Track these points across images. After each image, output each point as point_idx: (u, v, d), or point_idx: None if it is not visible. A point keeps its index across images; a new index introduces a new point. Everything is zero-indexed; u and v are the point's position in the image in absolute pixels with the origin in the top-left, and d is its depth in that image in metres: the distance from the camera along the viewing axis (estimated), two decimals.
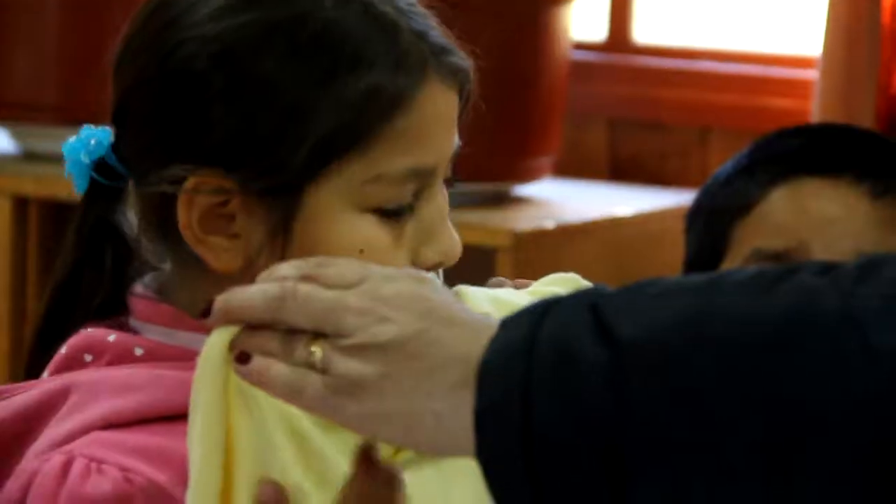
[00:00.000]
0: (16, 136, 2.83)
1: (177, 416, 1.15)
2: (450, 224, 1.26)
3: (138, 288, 1.28)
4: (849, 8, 2.52)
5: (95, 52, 1.39)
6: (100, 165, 1.25)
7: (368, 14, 1.21)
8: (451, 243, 1.27)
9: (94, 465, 1.18)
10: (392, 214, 1.23)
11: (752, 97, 2.72)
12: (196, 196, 1.20)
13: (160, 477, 1.17)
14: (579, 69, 2.62)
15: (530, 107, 2.53)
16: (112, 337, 1.24)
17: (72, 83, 2.77)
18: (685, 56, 2.87)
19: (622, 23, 2.83)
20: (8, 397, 1.27)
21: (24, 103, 2.82)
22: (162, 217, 1.22)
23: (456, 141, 1.24)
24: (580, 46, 2.65)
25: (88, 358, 1.26)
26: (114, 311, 1.31)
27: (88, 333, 1.25)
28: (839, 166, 1.77)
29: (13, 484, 1.24)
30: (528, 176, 2.51)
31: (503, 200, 2.47)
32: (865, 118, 2.43)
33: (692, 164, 2.74)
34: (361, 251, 1.24)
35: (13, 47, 2.88)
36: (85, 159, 1.28)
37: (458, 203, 2.47)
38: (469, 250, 2.43)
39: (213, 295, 1.08)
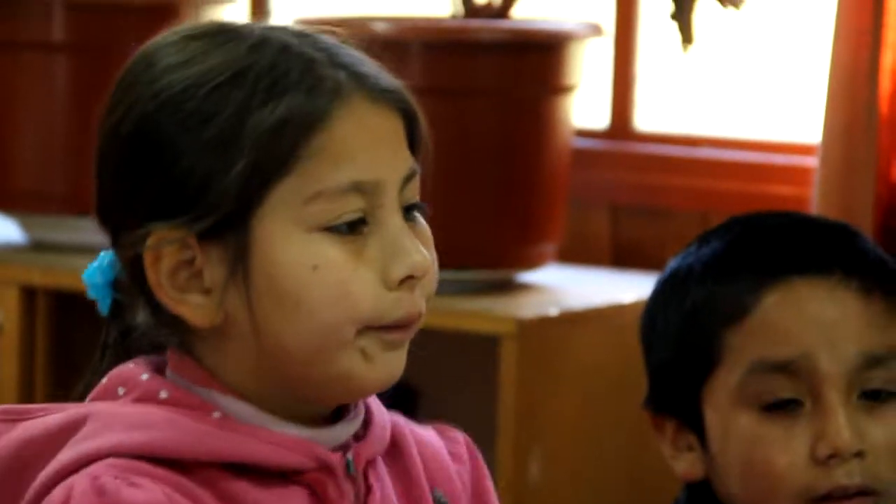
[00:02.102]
0: (24, 225, 2.80)
1: (177, 462, 1.16)
2: (418, 243, 1.22)
3: (174, 341, 1.24)
4: (847, 96, 2.50)
5: None
6: (118, 284, 1.22)
7: (284, 52, 1.21)
8: (419, 257, 1.24)
9: (122, 478, 1.16)
10: (342, 231, 1.21)
11: (753, 184, 2.68)
12: (160, 252, 1.16)
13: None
14: (582, 156, 2.57)
15: (533, 194, 2.47)
16: (145, 377, 1.23)
17: (79, 172, 2.55)
18: (686, 143, 2.82)
19: (624, 111, 2.78)
20: (42, 416, 1.24)
21: (32, 193, 2.79)
22: (139, 280, 1.20)
23: (408, 161, 1.20)
24: (583, 134, 2.61)
25: (121, 391, 1.24)
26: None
27: (129, 368, 1.24)
28: (827, 264, 1.63)
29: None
30: (531, 263, 2.46)
31: (507, 287, 2.42)
32: (864, 206, 2.42)
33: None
34: (315, 268, 1.21)
35: (21, 137, 2.83)
36: (100, 280, 1.24)
37: (461, 290, 2.41)
38: (473, 338, 2.55)
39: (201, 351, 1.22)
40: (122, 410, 1.23)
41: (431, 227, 2.58)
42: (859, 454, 1.56)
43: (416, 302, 1.23)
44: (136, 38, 1.24)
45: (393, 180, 1.20)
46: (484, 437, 2.54)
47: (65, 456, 1.21)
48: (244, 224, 1.18)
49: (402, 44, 2.41)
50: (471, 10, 2.43)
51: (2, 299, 2.74)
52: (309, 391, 1.23)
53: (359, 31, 2.42)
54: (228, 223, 1.17)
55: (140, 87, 1.27)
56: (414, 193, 1.24)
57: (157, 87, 1.26)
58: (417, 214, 1.23)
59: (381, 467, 1.26)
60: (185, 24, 1.29)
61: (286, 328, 1.23)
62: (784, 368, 1.58)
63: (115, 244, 1.19)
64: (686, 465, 1.63)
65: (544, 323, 2.36)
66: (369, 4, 2.86)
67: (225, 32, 1.24)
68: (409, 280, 1.21)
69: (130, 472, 1.16)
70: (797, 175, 2.57)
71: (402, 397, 2.37)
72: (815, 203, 2.43)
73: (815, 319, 1.62)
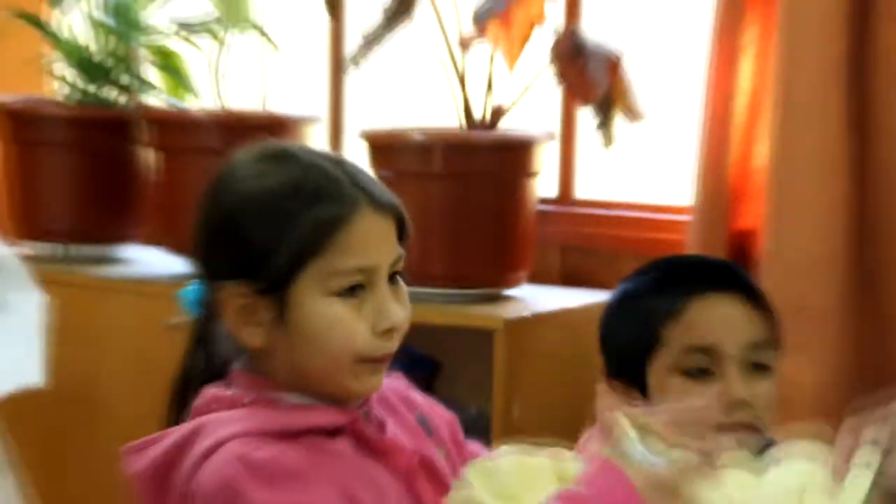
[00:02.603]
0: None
1: (279, 435, 1.55)
2: (396, 304, 1.61)
3: (237, 365, 1.64)
4: (708, 169, 2.68)
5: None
6: (197, 302, 1.67)
7: (323, 174, 1.60)
8: (399, 316, 1.61)
9: (249, 444, 1.52)
10: (349, 295, 1.58)
11: (648, 233, 2.91)
12: (230, 299, 1.58)
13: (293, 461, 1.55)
14: (542, 214, 2.89)
15: (514, 238, 2.80)
16: (229, 392, 1.61)
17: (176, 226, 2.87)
18: (604, 206, 3.06)
19: (567, 185, 3.11)
20: (159, 441, 1.60)
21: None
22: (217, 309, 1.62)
23: (397, 250, 1.62)
24: (542, 200, 2.90)
25: (215, 406, 1.61)
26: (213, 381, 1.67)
27: (214, 391, 1.62)
28: (728, 285, 1.98)
29: (193, 487, 1.54)
30: (512, 283, 2.82)
31: (497, 299, 2.77)
32: (719, 247, 2.65)
33: (612, 274, 2.56)
34: (329, 319, 1.58)
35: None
36: (191, 299, 1.67)
37: (467, 300, 2.77)
38: (474, 332, 2.74)
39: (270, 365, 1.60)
40: (226, 415, 1.59)
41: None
42: (748, 404, 1.92)
43: (393, 345, 1.63)
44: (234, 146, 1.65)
45: (385, 263, 1.61)
46: (482, 394, 2.69)
47: (202, 444, 1.54)
48: (286, 288, 1.57)
49: (430, 145, 2.75)
50: (471, 123, 2.74)
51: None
52: (323, 393, 1.62)
53: (402, 138, 2.78)
54: (276, 286, 1.57)
55: (224, 190, 1.66)
56: (398, 267, 1.63)
57: (236, 192, 1.64)
58: (399, 278, 1.62)
59: (382, 411, 1.67)
60: (257, 146, 1.68)
61: (309, 355, 1.60)
62: (703, 350, 1.92)
63: (205, 284, 1.64)
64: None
65: (522, 322, 2.69)
66: (404, 115, 3.00)
67: (285, 156, 1.65)
68: (389, 332, 1.60)
69: (253, 443, 1.53)
70: (676, 226, 2.80)
71: (430, 370, 2.87)
72: (688, 246, 2.69)
73: (722, 319, 1.96)
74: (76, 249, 3.01)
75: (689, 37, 2.80)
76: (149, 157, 3.01)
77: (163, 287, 2.80)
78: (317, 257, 1.54)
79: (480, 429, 2.27)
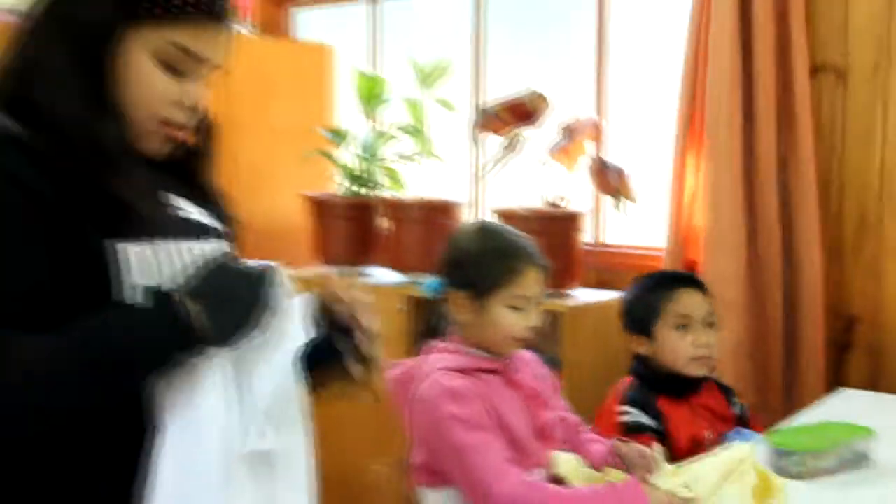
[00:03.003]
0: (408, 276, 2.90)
1: (465, 371, 1.57)
2: (537, 314, 1.60)
3: (451, 329, 1.67)
4: (671, 223, 2.68)
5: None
6: (434, 291, 1.73)
7: (513, 241, 1.66)
8: (536, 322, 1.59)
9: (447, 376, 1.57)
10: (517, 308, 1.59)
11: (647, 263, 2.81)
12: (455, 297, 1.63)
13: (470, 385, 1.56)
14: (585, 250, 2.76)
15: (572, 263, 2.71)
16: (441, 345, 1.66)
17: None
18: (619, 247, 2.99)
19: (598, 233, 3.04)
20: (399, 364, 1.64)
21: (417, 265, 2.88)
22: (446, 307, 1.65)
23: (543, 290, 1.64)
24: (586, 243, 2.79)
25: (434, 350, 1.65)
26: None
27: (435, 342, 1.68)
28: (693, 284, 2.07)
29: (420, 405, 1.56)
30: (571, 286, 2.73)
31: (563, 296, 2.65)
32: (680, 269, 2.65)
33: (623, 282, 2.57)
34: (504, 322, 1.59)
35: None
36: (432, 287, 1.76)
37: (550, 296, 2.15)
38: (553, 314, 2.41)
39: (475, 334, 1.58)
40: (438, 356, 1.63)
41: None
42: (710, 345, 1.95)
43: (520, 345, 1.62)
44: None
45: (539, 294, 1.63)
46: (555, 347, 2.42)
47: (423, 369, 1.61)
48: (484, 299, 1.61)
49: (529, 216, 2.67)
50: (548, 203, 2.75)
51: (402, 301, 2.77)
52: (490, 351, 1.62)
53: (515, 212, 2.68)
54: (480, 297, 1.62)
55: (458, 244, 1.69)
56: (544, 296, 1.61)
57: (465, 247, 1.68)
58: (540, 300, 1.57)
59: (517, 363, 1.67)
60: (475, 222, 1.86)
61: (489, 333, 1.60)
62: (684, 317, 1.99)
63: (443, 285, 1.67)
64: (643, 349, 2.04)
65: (577, 307, 2.64)
66: (516, 198, 2.84)
67: (489, 230, 1.71)
68: (521, 340, 1.60)
69: (450, 373, 1.57)
70: (655, 258, 2.78)
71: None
72: (663, 268, 2.65)
73: (692, 300, 2.02)
74: (347, 269, 3.03)
75: (662, 157, 2.76)
76: (383, 222, 3.08)
77: (392, 288, 2.85)
78: (504, 288, 1.61)
79: (556, 368, 2.05)
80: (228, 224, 1.22)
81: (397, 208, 2.98)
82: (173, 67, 1.05)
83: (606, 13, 2.96)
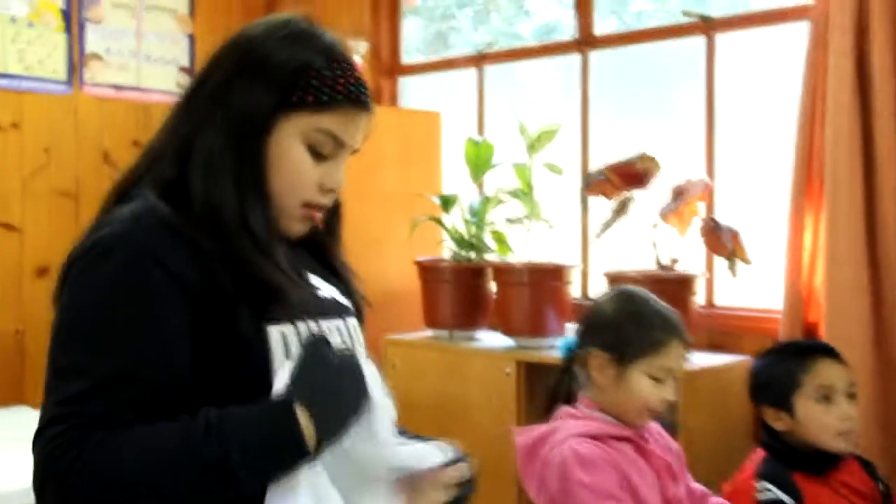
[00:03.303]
0: (516, 340, 2.90)
1: (597, 438, 1.57)
2: (673, 384, 1.58)
3: (581, 393, 1.66)
4: (789, 285, 2.59)
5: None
6: (569, 350, 1.71)
7: (654, 313, 1.62)
8: (672, 395, 1.57)
9: (579, 442, 1.55)
10: (658, 380, 1.57)
11: (755, 323, 2.82)
12: (594, 358, 1.63)
13: (603, 453, 1.53)
14: (698, 313, 2.70)
15: (686, 325, 2.19)
16: (572, 410, 1.64)
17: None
18: (732, 309, 2.93)
19: (710, 296, 2.97)
20: (534, 430, 1.64)
21: (524, 328, 2.89)
22: (582, 369, 1.64)
23: (683, 365, 1.61)
24: (699, 305, 2.72)
25: (565, 416, 1.64)
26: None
27: (566, 409, 1.66)
28: (830, 353, 2.02)
29: (549, 470, 1.54)
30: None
31: None
32: (799, 333, 2.59)
33: (736, 345, 2.81)
34: (641, 393, 1.57)
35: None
36: (564, 347, 1.72)
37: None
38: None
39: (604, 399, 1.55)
40: (572, 422, 1.62)
41: None
42: (853, 417, 1.88)
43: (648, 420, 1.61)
44: None
45: (680, 369, 1.61)
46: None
47: (556, 437, 1.59)
48: (627, 366, 1.59)
49: (640, 278, 2.61)
50: (661, 266, 2.72)
51: (510, 365, 2.78)
52: (623, 419, 1.59)
53: (625, 275, 2.62)
54: (623, 363, 1.61)
55: (597, 311, 1.67)
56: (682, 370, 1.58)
57: (605, 315, 1.64)
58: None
59: (648, 433, 1.66)
60: (615, 289, 1.67)
61: (624, 402, 1.60)
62: (825, 388, 1.90)
63: (578, 345, 1.65)
64: (780, 423, 1.96)
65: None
66: (623, 262, 2.87)
67: (647, 300, 1.64)
68: (652, 411, 1.58)
69: (584, 440, 1.57)
70: (772, 321, 2.72)
71: None
72: (780, 332, 2.62)
73: (833, 371, 1.95)
74: (456, 333, 3.06)
75: (778, 218, 2.70)
76: (491, 286, 3.09)
77: (499, 353, 2.85)
78: (648, 357, 1.61)
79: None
80: (357, 300, 1.24)
81: (505, 272, 2.98)
82: (319, 152, 1.10)
83: (714, 73, 2.95)
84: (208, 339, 1.00)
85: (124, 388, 0.96)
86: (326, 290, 1.17)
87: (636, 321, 1.61)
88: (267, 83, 1.08)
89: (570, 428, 1.57)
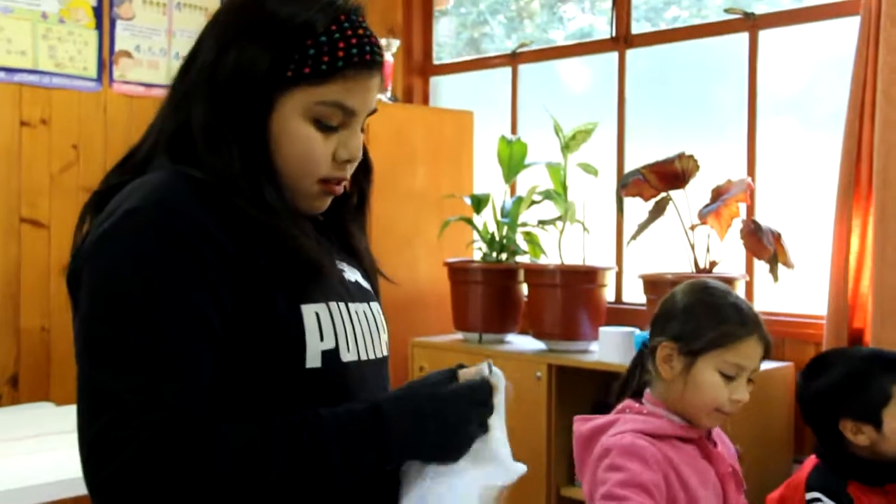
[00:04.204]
0: (548, 344, 2.88)
1: (658, 436, 1.50)
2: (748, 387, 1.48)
3: (648, 390, 1.58)
4: (833, 290, 2.53)
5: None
6: (643, 345, 1.61)
7: (732, 306, 1.52)
8: (746, 397, 1.48)
9: (635, 437, 1.48)
10: (728, 378, 1.48)
11: (799, 329, 2.75)
12: (663, 349, 1.52)
13: (657, 453, 1.47)
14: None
15: None
16: (637, 405, 1.56)
17: None
18: (775, 314, 2.80)
19: (750, 300, 2.77)
20: (594, 420, 1.57)
21: (555, 331, 2.87)
22: (651, 361, 1.56)
23: (759, 365, 1.51)
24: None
25: (628, 410, 1.57)
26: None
27: (629, 402, 1.59)
28: None
29: (599, 452, 1.49)
30: None
31: None
32: (844, 340, 2.52)
33: (782, 352, 2.74)
34: (710, 390, 1.48)
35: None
36: (637, 342, 1.76)
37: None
38: None
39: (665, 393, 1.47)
40: (631, 416, 1.56)
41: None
42: None
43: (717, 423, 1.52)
44: None
45: (755, 368, 1.50)
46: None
47: (614, 429, 1.53)
48: (696, 357, 1.50)
49: (676, 281, 2.11)
50: (698, 269, 2.65)
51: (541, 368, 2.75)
52: (691, 418, 1.52)
53: (661, 278, 2.58)
54: (693, 354, 1.51)
55: (676, 296, 1.57)
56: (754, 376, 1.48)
57: (687, 301, 1.54)
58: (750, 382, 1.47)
59: (716, 437, 1.59)
60: (692, 281, 1.55)
61: (691, 398, 1.50)
62: None
63: (652, 338, 1.56)
64: (863, 437, 1.87)
65: None
66: (660, 264, 2.80)
67: (723, 292, 1.54)
68: (725, 410, 1.47)
69: (640, 436, 1.49)
70: (817, 326, 2.67)
71: None
72: (825, 339, 2.56)
73: None
74: (486, 336, 3.05)
75: (822, 219, 2.67)
76: (522, 289, 3.07)
77: (530, 356, 2.83)
78: (719, 350, 1.50)
79: None
80: (375, 285, 1.19)
81: (537, 274, 2.95)
82: (327, 125, 1.03)
83: (757, 71, 2.90)
84: (242, 314, 0.95)
85: (186, 373, 0.92)
86: (350, 272, 1.12)
87: (709, 311, 1.52)
88: (260, 46, 1.00)
89: (629, 423, 1.51)
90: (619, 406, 1.57)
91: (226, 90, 1.00)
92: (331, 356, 0.99)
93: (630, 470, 1.41)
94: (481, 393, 1.04)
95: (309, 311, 1.00)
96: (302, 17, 1.00)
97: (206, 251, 0.93)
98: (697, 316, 1.52)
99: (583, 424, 1.57)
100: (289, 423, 0.93)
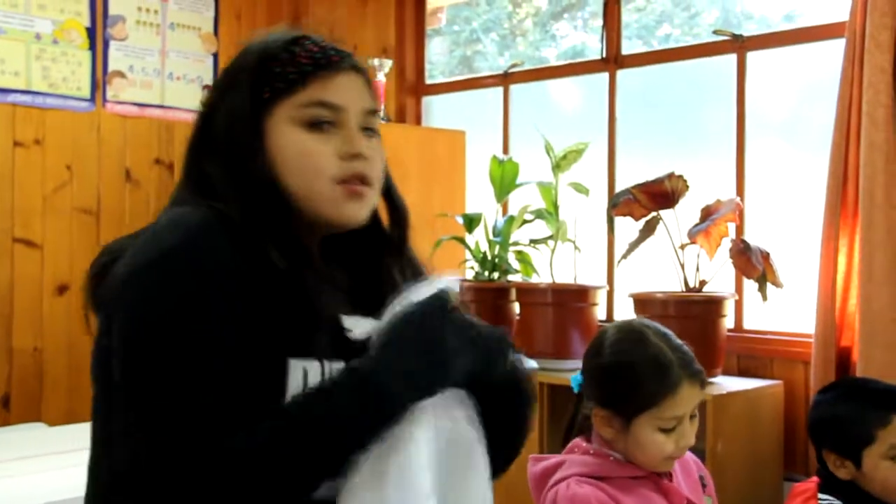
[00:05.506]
0: (540, 364, 2.84)
1: (603, 479, 1.47)
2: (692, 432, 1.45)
3: (594, 434, 1.54)
4: (821, 309, 2.54)
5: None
6: (580, 386, 1.59)
7: (660, 356, 1.46)
8: (691, 441, 1.45)
9: (578, 483, 1.47)
10: (669, 431, 1.45)
11: (786, 347, 2.78)
12: (598, 414, 1.51)
13: (602, 496, 1.44)
14: (727, 337, 2.69)
15: (714, 350, 2.61)
16: (585, 445, 1.54)
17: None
18: (762, 333, 2.87)
19: (740, 320, 2.92)
20: (544, 460, 1.57)
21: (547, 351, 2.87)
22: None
23: (698, 400, 1.47)
24: (728, 329, 2.71)
25: (576, 449, 1.55)
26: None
27: (578, 441, 1.56)
28: None
29: (546, 497, 1.50)
30: (713, 374, 2.59)
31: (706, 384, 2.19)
32: (832, 359, 2.52)
33: (766, 370, 2.77)
34: (651, 447, 1.46)
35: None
36: (575, 384, 1.60)
37: None
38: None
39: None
40: (577, 458, 1.53)
41: None
42: None
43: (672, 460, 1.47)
44: None
45: (694, 407, 1.46)
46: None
47: (556, 476, 1.51)
48: (632, 420, 1.44)
49: (666, 300, 2.62)
50: (688, 288, 2.67)
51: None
52: (638, 463, 1.48)
53: (651, 297, 2.61)
54: (624, 416, 1.44)
55: (598, 353, 1.53)
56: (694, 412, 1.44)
57: (612, 359, 1.50)
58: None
59: (677, 466, 1.54)
60: (619, 323, 1.54)
61: (637, 453, 1.47)
62: None
63: (583, 394, 1.53)
64: (843, 472, 1.85)
65: (721, 396, 2.49)
66: (650, 284, 2.83)
67: (646, 340, 1.48)
68: (675, 455, 1.47)
69: (581, 481, 1.47)
70: (804, 345, 2.68)
71: None
72: (813, 358, 2.56)
73: None
74: None
75: (809, 239, 2.66)
76: (513, 307, 3.08)
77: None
78: (650, 411, 1.46)
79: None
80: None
81: (529, 293, 2.96)
82: (318, 124, 1.05)
83: (745, 92, 2.92)
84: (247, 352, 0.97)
85: (226, 398, 0.95)
86: (362, 328, 1.06)
87: (630, 375, 1.46)
88: (237, 88, 1.07)
89: (576, 465, 1.49)
90: (569, 445, 1.55)
91: (224, 140, 1.05)
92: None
93: None
94: (437, 306, 1.01)
95: (297, 365, 1.01)
96: (264, 51, 1.07)
97: (232, 290, 0.96)
98: (619, 381, 1.48)
99: (535, 465, 1.55)
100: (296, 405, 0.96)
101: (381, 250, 1.14)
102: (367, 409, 0.94)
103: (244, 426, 0.93)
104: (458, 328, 0.97)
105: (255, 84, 1.05)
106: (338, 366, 1.00)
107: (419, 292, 0.99)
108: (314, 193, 1.04)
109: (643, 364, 1.45)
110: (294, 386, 0.99)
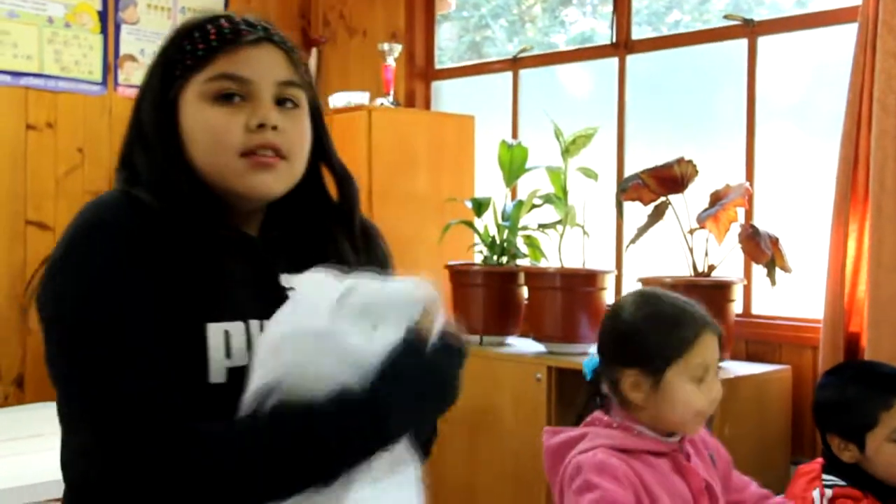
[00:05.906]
0: (547, 346, 2.87)
1: (626, 451, 1.47)
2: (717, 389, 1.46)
3: (615, 408, 1.54)
4: (830, 294, 2.52)
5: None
6: (594, 372, 1.58)
7: (678, 310, 1.49)
8: (717, 397, 1.45)
9: (606, 454, 1.45)
10: (698, 380, 1.46)
11: (795, 332, 2.77)
12: (625, 377, 1.48)
13: (629, 471, 1.44)
14: (736, 321, 2.67)
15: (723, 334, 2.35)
16: (607, 418, 1.53)
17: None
18: (771, 318, 2.87)
19: (748, 304, 2.90)
20: (563, 432, 1.54)
21: (555, 334, 2.86)
22: (614, 390, 1.53)
23: (718, 356, 1.49)
24: (736, 314, 2.67)
25: (597, 423, 1.54)
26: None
27: (598, 414, 1.56)
28: None
29: (566, 470, 1.48)
30: (721, 359, 2.10)
31: None
32: (840, 344, 2.51)
33: (774, 355, 2.77)
34: (682, 401, 1.46)
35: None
36: (588, 368, 1.58)
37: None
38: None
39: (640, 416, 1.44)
40: (601, 430, 1.52)
41: None
42: None
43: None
44: None
45: (717, 361, 1.47)
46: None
47: (583, 444, 1.49)
48: (662, 374, 1.47)
49: (675, 285, 2.52)
50: (697, 273, 2.65)
51: (541, 371, 2.73)
52: (664, 432, 1.48)
53: (659, 281, 2.57)
54: (654, 371, 1.48)
55: (618, 317, 1.53)
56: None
57: (632, 320, 1.50)
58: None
59: (689, 447, 1.54)
60: (635, 292, 1.56)
61: (668, 412, 1.46)
62: None
63: (603, 365, 1.52)
64: (847, 455, 1.86)
65: (729, 381, 2.39)
66: (659, 269, 2.83)
67: (662, 298, 1.52)
68: (701, 415, 1.46)
69: (608, 452, 1.46)
70: (813, 330, 2.67)
71: None
72: (821, 343, 2.56)
73: None
74: (487, 338, 3.03)
75: (819, 224, 2.68)
76: (522, 292, 3.06)
77: (531, 358, 2.81)
78: (682, 358, 1.47)
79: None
80: (386, 264, 1.20)
81: (537, 277, 2.95)
82: (225, 97, 1.05)
83: (756, 77, 2.91)
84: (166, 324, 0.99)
85: (165, 373, 0.96)
86: (299, 282, 1.07)
87: (658, 324, 1.49)
88: (154, 70, 1.10)
89: (600, 437, 1.49)
90: (588, 419, 1.54)
91: (146, 122, 1.08)
92: (238, 373, 0.99)
93: (603, 488, 1.40)
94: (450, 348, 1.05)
95: (218, 328, 1.01)
96: (179, 31, 1.09)
97: (146, 265, 0.98)
98: (648, 334, 1.49)
99: (551, 437, 1.54)
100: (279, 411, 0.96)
101: (329, 220, 1.14)
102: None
103: (173, 397, 0.94)
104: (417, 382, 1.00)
105: (168, 64, 1.07)
106: (265, 323, 1.01)
107: (394, 285, 1.03)
108: (220, 167, 1.04)
109: (667, 315, 1.47)
110: (215, 349, 1.01)
